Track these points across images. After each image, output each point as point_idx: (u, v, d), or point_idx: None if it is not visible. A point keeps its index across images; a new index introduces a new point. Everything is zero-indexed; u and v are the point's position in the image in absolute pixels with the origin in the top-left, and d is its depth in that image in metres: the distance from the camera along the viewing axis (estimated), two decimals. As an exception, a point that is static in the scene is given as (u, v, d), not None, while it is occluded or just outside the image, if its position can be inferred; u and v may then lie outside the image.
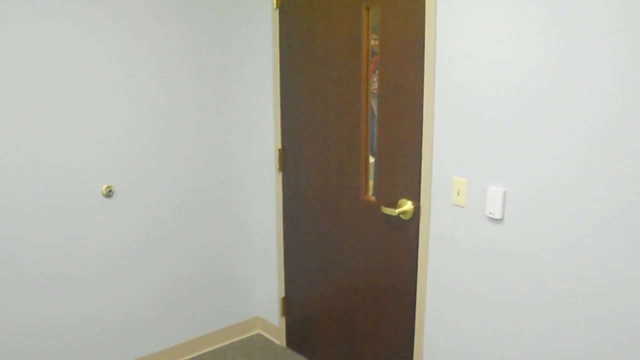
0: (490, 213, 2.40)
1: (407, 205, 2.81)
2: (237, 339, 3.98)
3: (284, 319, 3.85)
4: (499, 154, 2.34)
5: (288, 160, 3.52)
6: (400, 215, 2.85)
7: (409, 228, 2.84)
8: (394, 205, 2.89)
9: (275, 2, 3.37)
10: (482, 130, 2.38)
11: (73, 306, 3.17)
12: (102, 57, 3.03)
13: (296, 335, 3.77)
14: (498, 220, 2.39)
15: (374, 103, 2.92)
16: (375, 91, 2.89)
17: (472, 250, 2.52)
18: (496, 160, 2.36)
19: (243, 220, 3.86)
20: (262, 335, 4.04)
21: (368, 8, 2.87)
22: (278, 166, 3.59)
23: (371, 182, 3.04)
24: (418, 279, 2.80)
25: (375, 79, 2.89)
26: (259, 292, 4.03)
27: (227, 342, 3.93)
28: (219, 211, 3.70)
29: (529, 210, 2.28)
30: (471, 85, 2.39)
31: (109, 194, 3.12)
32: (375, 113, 2.91)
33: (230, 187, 3.72)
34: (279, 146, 3.56)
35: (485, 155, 2.40)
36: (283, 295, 3.80)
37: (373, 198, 3.03)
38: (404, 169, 2.81)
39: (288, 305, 3.80)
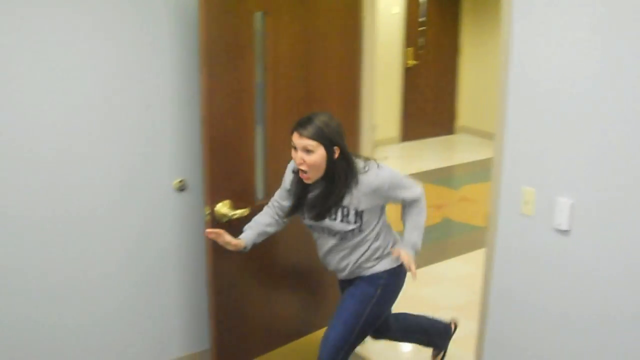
0: (557, 224, 2.40)
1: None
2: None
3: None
4: (568, 165, 2.34)
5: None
6: None
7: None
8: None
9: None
10: (552, 140, 2.38)
11: (133, 298, 3.23)
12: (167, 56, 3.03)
13: None
14: (565, 232, 2.38)
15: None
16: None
17: (537, 260, 2.52)
18: (565, 171, 2.35)
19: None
20: None
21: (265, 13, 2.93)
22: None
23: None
24: (483, 286, 2.81)
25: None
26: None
27: None
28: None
29: (597, 223, 2.27)
30: (543, 93, 2.39)
31: (180, 187, 3.22)
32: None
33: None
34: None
35: (554, 165, 2.39)
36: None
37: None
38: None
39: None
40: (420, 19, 9.03)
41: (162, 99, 3.04)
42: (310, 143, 2.49)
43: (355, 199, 2.60)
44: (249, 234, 2.82)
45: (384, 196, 2.66)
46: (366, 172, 2.60)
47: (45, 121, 2.78)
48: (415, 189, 2.75)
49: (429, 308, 4.16)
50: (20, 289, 2.89)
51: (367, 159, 2.67)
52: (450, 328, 3.36)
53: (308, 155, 2.51)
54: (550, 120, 2.38)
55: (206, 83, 2.77)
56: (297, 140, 2.53)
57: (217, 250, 2.87)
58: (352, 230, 2.65)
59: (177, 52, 3.02)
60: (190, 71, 3.06)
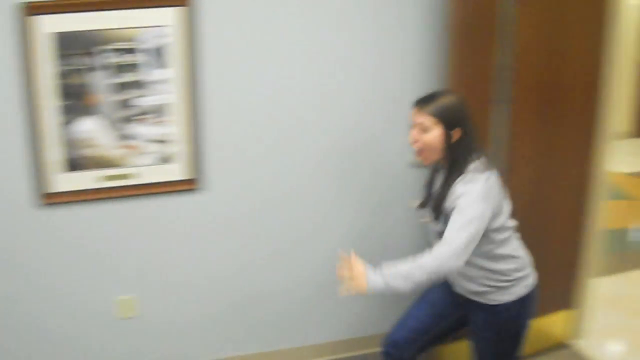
0: None
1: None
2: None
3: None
4: None
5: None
6: None
7: None
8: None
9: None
10: None
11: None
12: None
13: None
14: None
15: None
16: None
17: None
18: None
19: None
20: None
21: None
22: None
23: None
24: None
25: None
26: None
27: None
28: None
29: None
30: None
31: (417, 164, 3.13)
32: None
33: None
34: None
35: None
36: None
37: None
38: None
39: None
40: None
41: (406, 79, 3.18)
42: (429, 120, 2.30)
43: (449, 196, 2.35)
44: None
45: (455, 206, 2.28)
46: (472, 174, 2.32)
47: (307, 100, 3.08)
48: (459, 239, 2.19)
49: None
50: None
51: (488, 168, 2.36)
52: None
53: (424, 134, 2.32)
54: None
55: (453, 64, 2.94)
56: (416, 115, 2.35)
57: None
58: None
59: (420, 35, 3.13)
60: (428, 53, 3.17)
